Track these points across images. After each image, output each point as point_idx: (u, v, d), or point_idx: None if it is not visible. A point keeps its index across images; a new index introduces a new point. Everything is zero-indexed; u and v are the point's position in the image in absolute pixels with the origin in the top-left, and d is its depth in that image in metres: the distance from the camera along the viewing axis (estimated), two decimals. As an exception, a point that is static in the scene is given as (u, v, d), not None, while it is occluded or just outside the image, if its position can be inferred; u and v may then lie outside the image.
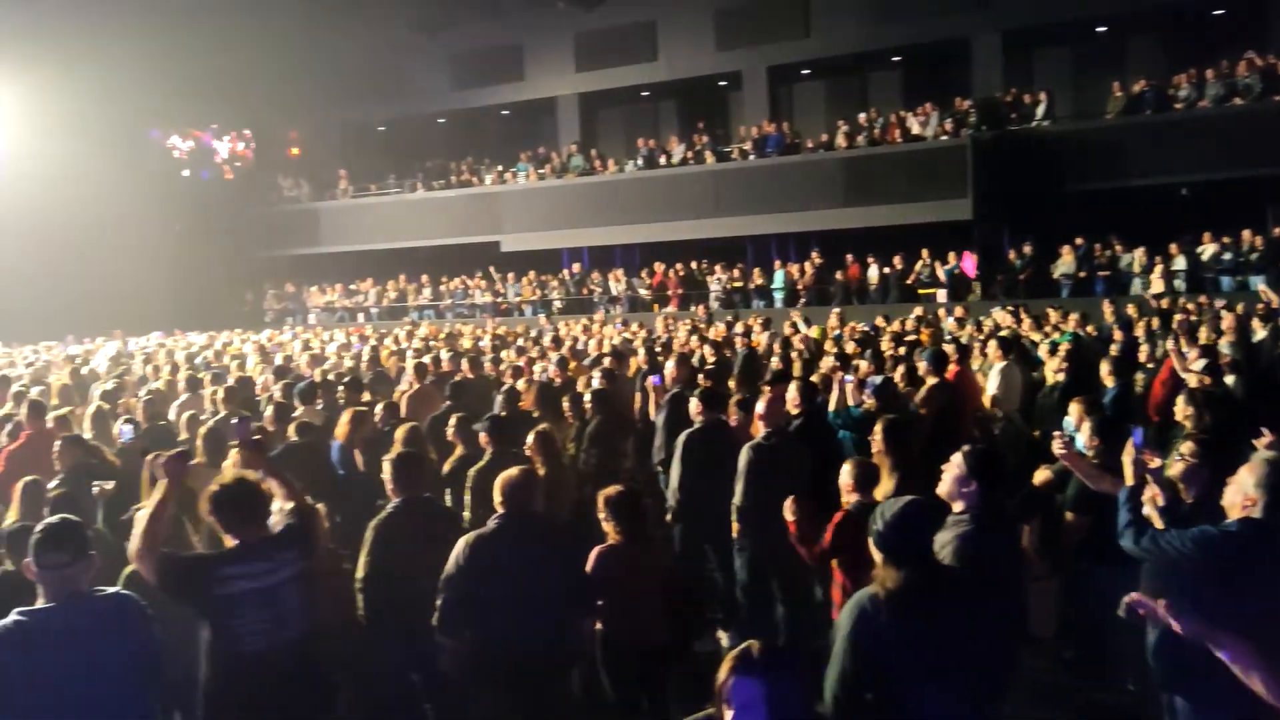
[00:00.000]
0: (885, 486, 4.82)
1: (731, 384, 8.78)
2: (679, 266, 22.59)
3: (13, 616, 3.19)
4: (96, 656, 3.22)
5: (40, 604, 3.25)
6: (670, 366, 8.64)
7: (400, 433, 6.10)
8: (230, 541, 3.84)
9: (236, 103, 26.39)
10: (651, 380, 8.52)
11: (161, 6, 21.84)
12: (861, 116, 21.54)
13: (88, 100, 22.32)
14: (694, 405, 6.84)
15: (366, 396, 8.76)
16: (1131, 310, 13.97)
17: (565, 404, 7.82)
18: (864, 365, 8.75)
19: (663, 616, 4.61)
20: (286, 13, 23.47)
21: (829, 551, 4.61)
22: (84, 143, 22.15)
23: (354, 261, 27.16)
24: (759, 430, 6.16)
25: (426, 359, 10.82)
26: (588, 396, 7.54)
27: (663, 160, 23.38)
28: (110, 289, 22.12)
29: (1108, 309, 14.13)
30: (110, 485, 5.53)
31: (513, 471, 4.48)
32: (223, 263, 26.05)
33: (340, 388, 8.77)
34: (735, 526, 6.09)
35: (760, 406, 6.23)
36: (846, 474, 4.77)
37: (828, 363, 9.47)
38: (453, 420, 6.84)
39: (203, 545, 4.63)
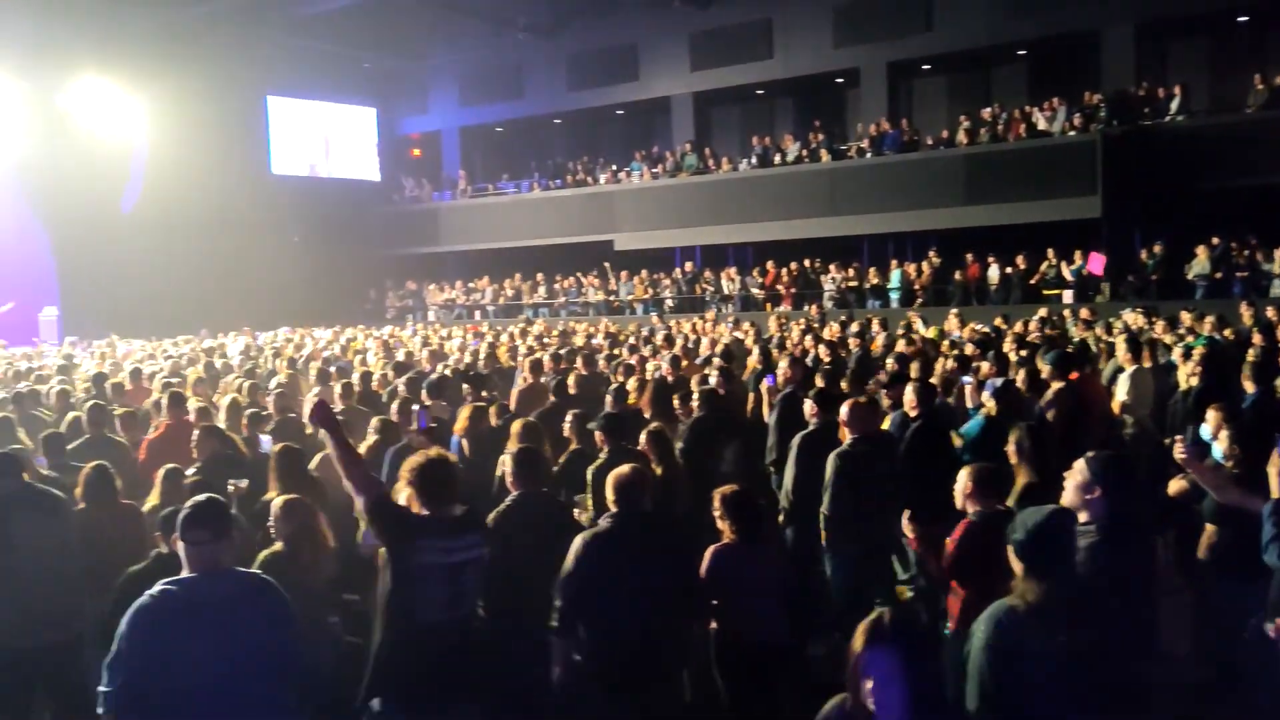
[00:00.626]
0: (1019, 494, 4.65)
1: (844, 385, 8.64)
2: (792, 265, 22.38)
3: (159, 585, 3.36)
4: (235, 632, 3.35)
5: (185, 574, 3.42)
6: (783, 366, 8.57)
7: (516, 427, 6.20)
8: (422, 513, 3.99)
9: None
10: (766, 381, 8.46)
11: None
12: (984, 112, 20.99)
13: (223, 105, 23.43)
14: (809, 406, 6.76)
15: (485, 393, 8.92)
16: (1271, 314, 13.25)
17: (675, 400, 7.80)
18: (985, 366, 8.51)
19: (777, 618, 4.58)
20: (413, 16, 24.10)
21: (954, 563, 4.43)
22: (219, 146, 23.23)
23: (472, 260, 27.79)
24: (845, 437, 6.07)
25: (541, 356, 10.96)
26: (696, 395, 7.51)
27: (777, 159, 23.21)
28: (241, 286, 23.14)
29: (1245, 312, 13.43)
30: (245, 484, 5.76)
31: (624, 469, 4.48)
32: (347, 261, 26.92)
33: (465, 384, 8.95)
34: (824, 535, 6.04)
35: (844, 413, 6.14)
36: (964, 480, 4.56)
37: (945, 364, 9.25)
38: (569, 416, 6.93)
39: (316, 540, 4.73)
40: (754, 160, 23.60)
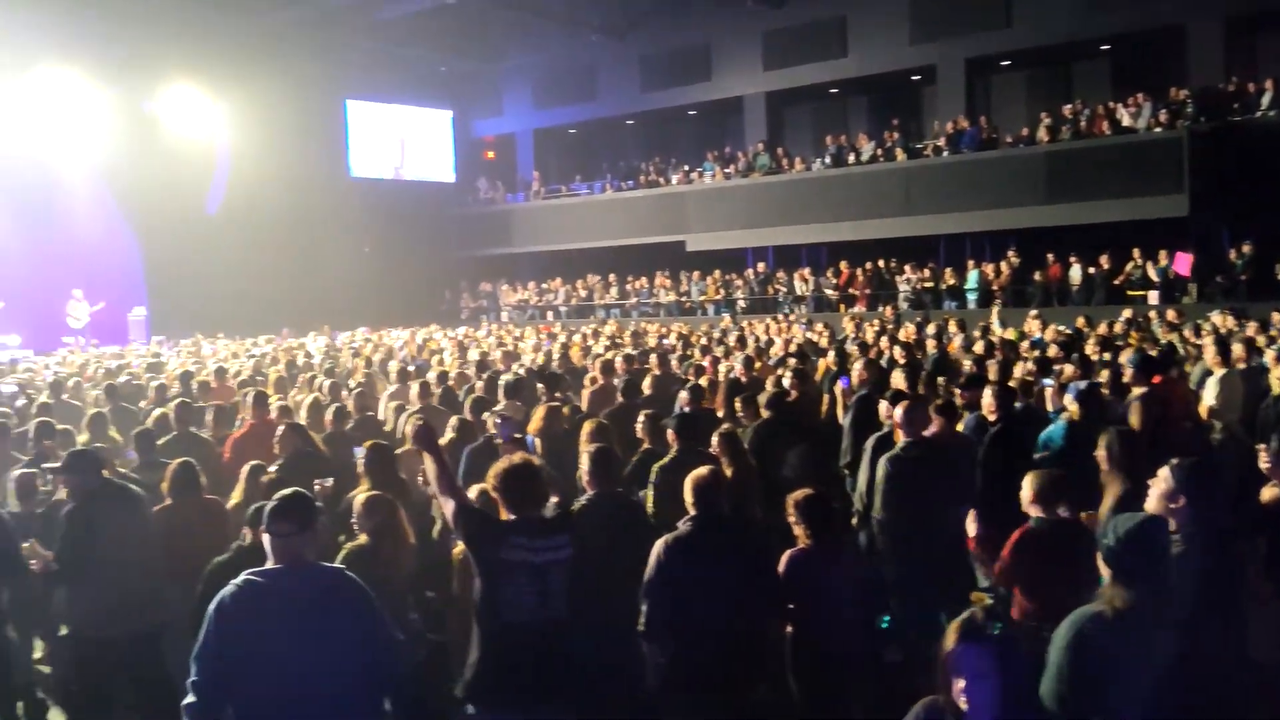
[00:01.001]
0: (1109, 501, 4.54)
1: (920, 388, 8.50)
2: (867, 266, 22.12)
3: (243, 576, 3.44)
4: (317, 624, 3.40)
5: (270, 565, 3.49)
6: (858, 368, 8.46)
7: (587, 427, 6.22)
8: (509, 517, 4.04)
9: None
10: (840, 383, 8.38)
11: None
12: (1066, 108, 20.50)
13: (303, 109, 24.01)
14: (884, 408, 6.67)
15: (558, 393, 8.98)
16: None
17: (738, 403, 7.73)
18: (1068, 369, 8.31)
19: (853, 623, 4.53)
20: (489, 20, 24.37)
21: (1007, 569, 4.39)
22: (299, 149, 23.79)
23: (545, 261, 28.02)
24: (899, 439, 5.98)
25: (613, 357, 11.00)
26: (761, 397, 7.43)
27: (851, 158, 22.96)
28: (320, 287, 23.70)
29: (1342, 313, 12.93)
30: (330, 483, 5.86)
31: (702, 471, 4.48)
32: (423, 262, 27.34)
33: (540, 384, 9.02)
34: (879, 539, 5.96)
35: (897, 415, 6.04)
36: (1028, 486, 4.47)
37: (1025, 367, 9.06)
38: (641, 416, 6.93)
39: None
40: (828, 160, 23.38)
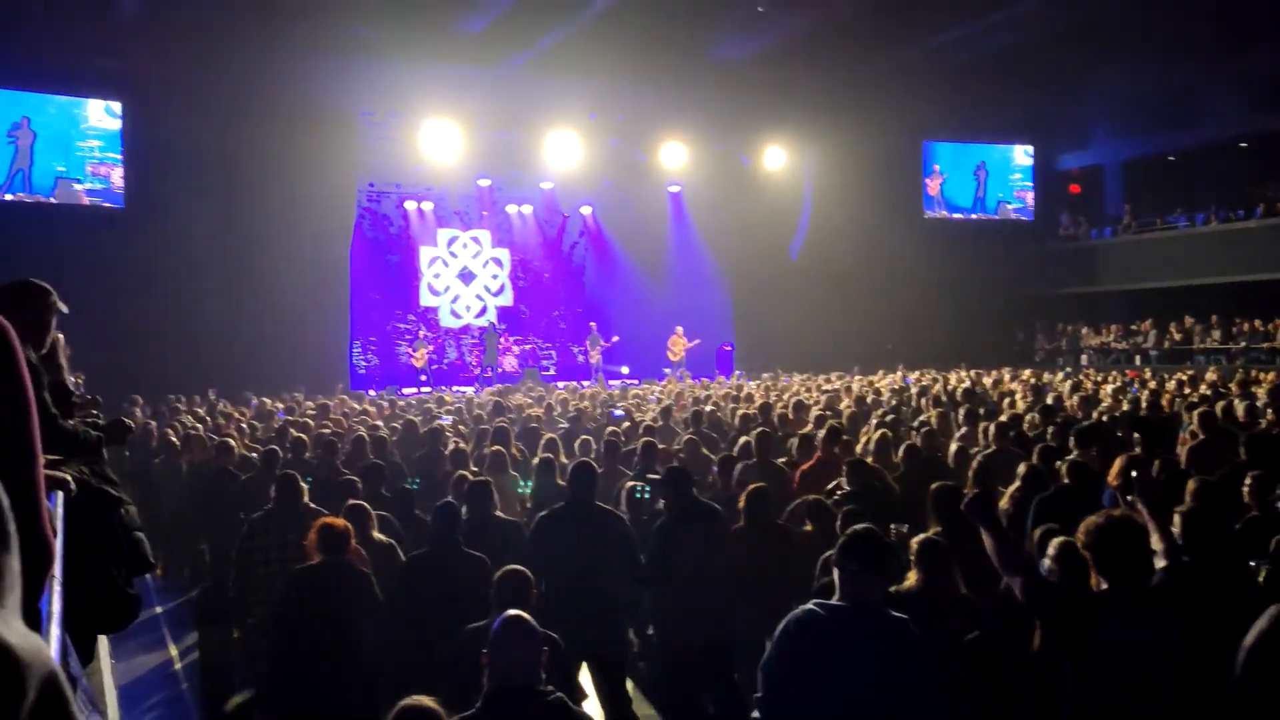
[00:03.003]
0: None
1: None
2: None
3: (810, 604, 3.52)
4: (862, 664, 3.35)
5: (835, 600, 3.54)
6: None
7: (1191, 486, 5.49)
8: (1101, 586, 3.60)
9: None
10: None
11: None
12: None
13: (881, 154, 24.74)
14: None
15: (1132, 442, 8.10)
16: None
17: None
18: None
19: None
20: (1073, 50, 23.06)
21: None
22: (875, 192, 24.50)
23: (1133, 300, 25.65)
24: None
25: (1215, 407, 9.66)
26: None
27: None
28: (890, 326, 24.09)
29: None
30: (905, 528, 5.82)
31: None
32: (995, 302, 26.53)
33: (1135, 432, 8.23)
34: None
35: None
36: None
37: None
38: (1248, 479, 5.98)
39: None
40: None
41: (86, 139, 19.15)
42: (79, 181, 19.12)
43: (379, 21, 18.62)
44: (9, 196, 18.43)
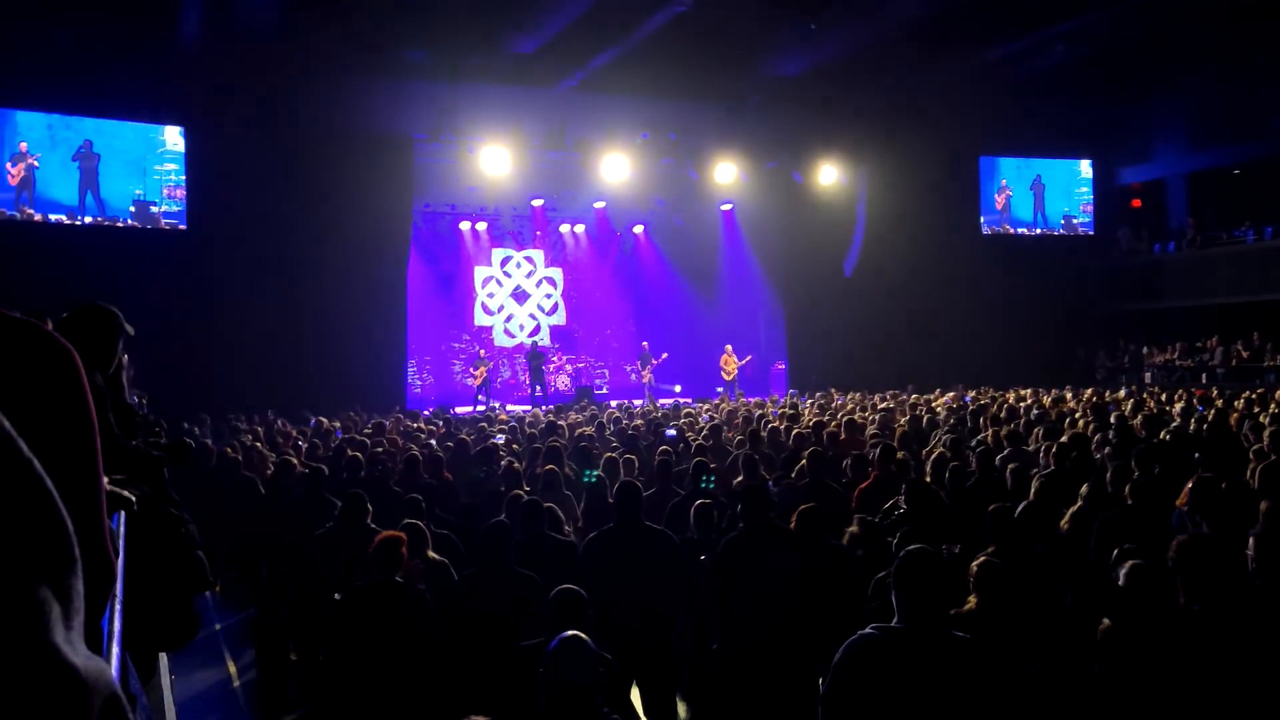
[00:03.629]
0: None
1: None
2: None
3: (869, 627, 3.50)
4: (925, 689, 3.32)
5: (894, 623, 3.51)
6: None
7: (1264, 507, 5.33)
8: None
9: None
10: None
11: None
12: None
13: (936, 169, 24.51)
14: None
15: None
16: None
17: None
18: None
19: None
20: (1135, 61, 22.68)
21: None
22: (931, 209, 24.25)
23: (1198, 317, 25.06)
24: None
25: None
26: None
27: None
28: (945, 344, 23.77)
29: None
30: (957, 549, 5.75)
31: None
32: (1054, 320, 26.07)
33: (1197, 453, 8.04)
34: None
35: None
36: None
37: None
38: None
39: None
40: None
41: (163, 162, 19.59)
42: (155, 205, 19.57)
43: (433, 46, 18.90)
44: (87, 219, 18.94)
